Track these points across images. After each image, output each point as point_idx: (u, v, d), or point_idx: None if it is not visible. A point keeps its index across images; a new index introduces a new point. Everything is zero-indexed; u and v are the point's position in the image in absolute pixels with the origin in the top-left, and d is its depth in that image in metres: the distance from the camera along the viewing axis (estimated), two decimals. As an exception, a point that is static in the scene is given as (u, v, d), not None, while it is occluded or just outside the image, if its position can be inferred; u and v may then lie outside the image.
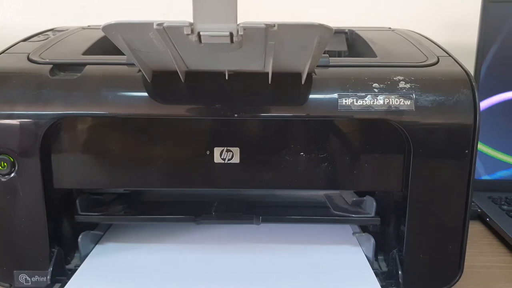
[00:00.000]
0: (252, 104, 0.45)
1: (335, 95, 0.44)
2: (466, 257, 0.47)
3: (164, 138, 0.47)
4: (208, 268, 0.49)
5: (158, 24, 0.34)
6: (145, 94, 0.44)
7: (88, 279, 0.47)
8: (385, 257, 0.52)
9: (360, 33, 0.62)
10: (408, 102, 0.44)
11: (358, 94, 0.44)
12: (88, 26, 0.64)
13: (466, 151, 0.44)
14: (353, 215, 0.53)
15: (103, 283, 0.47)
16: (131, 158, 0.47)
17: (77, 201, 0.52)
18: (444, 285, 0.48)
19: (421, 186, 0.45)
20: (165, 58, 0.41)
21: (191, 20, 0.35)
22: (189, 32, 0.35)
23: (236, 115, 0.44)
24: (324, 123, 0.46)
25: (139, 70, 0.45)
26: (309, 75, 0.45)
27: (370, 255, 0.52)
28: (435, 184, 0.45)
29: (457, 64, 0.48)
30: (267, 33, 0.35)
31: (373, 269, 0.49)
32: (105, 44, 0.52)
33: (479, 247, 0.60)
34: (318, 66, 0.46)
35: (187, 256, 0.52)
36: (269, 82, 0.44)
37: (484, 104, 0.74)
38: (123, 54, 0.42)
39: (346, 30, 0.66)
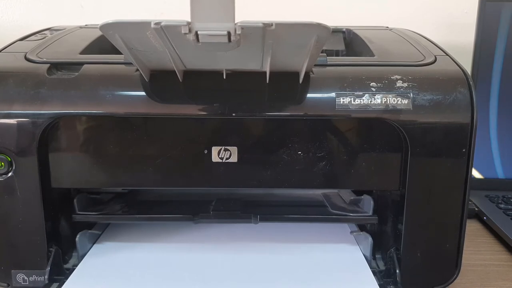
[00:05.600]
0: (250, 103, 0.45)
1: (333, 94, 0.44)
2: (463, 256, 0.47)
3: (162, 137, 0.47)
4: (206, 267, 0.49)
5: (156, 23, 0.34)
6: (143, 93, 0.44)
7: (86, 279, 0.47)
8: (382, 256, 0.52)
9: (357, 32, 0.62)
10: (405, 101, 0.44)
11: (356, 93, 0.44)
12: (86, 25, 0.64)
13: (463, 150, 0.44)
14: (351, 214, 0.53)
15: (101, 282, 0.47)
16: (129, 158, 0.47)
17: (74, 200, 0.52)
18: (442, 283, 0.48)
19: (419, 185, 0.46)
20: (163, 57, 0.41)
21: (189, 19, 0.35)
22: (187, 31, 0.35)
23: (234, 114, 0.44)
24: (322, 122, 0.46)
25: (137, 70, 0.45)
26: (307, 74, 0.45)
27: (368, 253, 0.52)
28: (432, 183, 0.45)
29: (455, 63, 0.48)
30: (265, 32, 0.35)
31: (370, 268, 0.50)
32: (103, 43, 0.52)
33: (477, 245, 0.60)
34: (315, 65, 0.46)
35: (185, 255, 0.52)
36: (267, 81, 0.44)
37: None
38: (120, 53, 0.42)
39: (344, 29, 0.66)
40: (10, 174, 0.45)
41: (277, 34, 0.36)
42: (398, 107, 0.44)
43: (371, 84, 0.45)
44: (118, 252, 0.53)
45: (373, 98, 0.44)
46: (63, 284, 0.46)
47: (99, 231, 0.57)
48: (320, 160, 0.47)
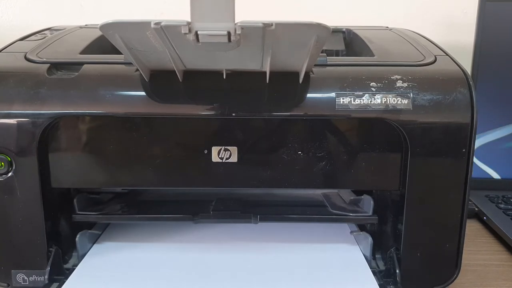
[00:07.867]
0: (250, 103, 0.45)
1: (333, 94, 0.44)
2: (463, 256, 0.47)
3: (161, 137, 0.47)
4: (206, 267, 0.49)
5: (156, 23, 0.34)
6: (143, 93, 0.44)
7: (86, 279, 0.47)
8: (382, 256, 0.52)
9: (357, 32, 0.62)
10: (405, 101, 0.44)
11: (356, 93, 0.44)
12: (86, 25, 0.64)
13: (463, 150, 0.44)
14: (351, 214, 0.53)
15: (101, 282, 0.47)
16: (128, 157, 0.47)
17: (74, 200, 0.52)
18: (442, 283, 0.48)
19: (419, 184, 0.46)
20: (163, 57, 0.41)
21: (189, 19, 0.35)
22: (187, 31, 0.35)
23: (234, 114, 0.44)
24: (322, 122, 0.46)
25: (137, 69, 0.45)
26: (307, 74, 0.45)
27: (368, 253, 0.52)
28: (432, 182, 0.45)
29: (454, 63, 0.48)
30: (265, 32, 0.35)
31: (370, 268, 0.50)
32: (103, 43, 0.52)
33: (476, 245, 0.60)
34: (315, 65, 0.46)
35: (185, 255, 0.52)
36: (267, 81, 0.44)
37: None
38: (120, 53, 0.42)
39: (344, 29, 0.66)
40: (10, 174, 0.45)
41: (277, 34, 0.36)
42: (398, 107, 0.44)
43: (371, 84, 0.45)
44: (118, 252, 0.53)
45: (373, 98, 0.44)
46: (63, 284, 0.46)
47: (99, 231, 0.57)
48: (320, 160, 0.47)
